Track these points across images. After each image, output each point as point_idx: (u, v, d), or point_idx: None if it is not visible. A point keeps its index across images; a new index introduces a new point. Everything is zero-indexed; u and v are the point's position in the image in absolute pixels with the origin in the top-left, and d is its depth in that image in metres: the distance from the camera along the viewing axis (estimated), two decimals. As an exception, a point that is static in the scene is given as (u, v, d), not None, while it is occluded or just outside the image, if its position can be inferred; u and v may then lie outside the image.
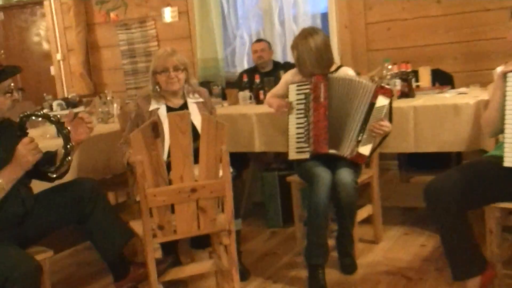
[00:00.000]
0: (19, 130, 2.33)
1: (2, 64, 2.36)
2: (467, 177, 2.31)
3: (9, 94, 2.30)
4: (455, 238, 2.32)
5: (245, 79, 4.16)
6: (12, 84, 2.33)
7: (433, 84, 3.70)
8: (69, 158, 2.32)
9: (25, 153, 2.17)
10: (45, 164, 2.35)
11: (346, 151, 2.87)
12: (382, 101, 2.81)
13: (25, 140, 2.20)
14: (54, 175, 2.38)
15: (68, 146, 2.29)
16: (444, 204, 2.28)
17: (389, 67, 3.44)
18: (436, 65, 4.00)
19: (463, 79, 3.94)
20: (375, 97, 2.81)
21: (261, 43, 4.53)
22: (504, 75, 2.28)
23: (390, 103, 2.85)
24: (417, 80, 3.66)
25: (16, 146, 2.19)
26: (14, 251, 2.11)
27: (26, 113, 2.35)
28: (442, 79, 3.81)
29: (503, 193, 2.32)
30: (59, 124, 2.31)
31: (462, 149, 3.09)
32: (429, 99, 3.27)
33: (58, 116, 2.38)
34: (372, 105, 2.82)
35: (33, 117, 2.36)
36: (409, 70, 3.45)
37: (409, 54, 4.17)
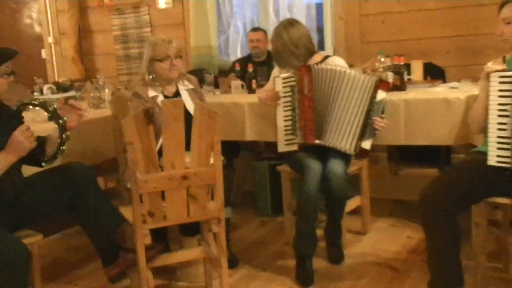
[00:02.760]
0: (15, 117, 2.34)
1: None
2: (459, 181, 2.32)
3: (7, 76, 2.29)
4: (442, 248, 2.32)
5: (238, 68, 4.15)
6: (8, 67, 2.31)
7: (425, 78, 3.72)
8: (64, 148, 2.35)
9: (22, 140, 2.18)
10: (37, 150, 2.34)
11: (348, 147, 2.85)
12: (381, 94, 2.82)
13: (22, 127, 2.21)
14: (47, 163, 2.39)
15: (64, 136, 2.32)
16: (437, 210, 2.27)
17: (382, 59, 3.45)
18: (429, 58, 4.01)
19: (455, 74, 3.96)
20: (375, 91, 2.81)
21: (258, 33, 4.52)
22: (487, 75, 2.30)
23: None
24: (409, 74, 3.67)
25: (11, 132, 2.19)
26: (3, 236, 2.10)
27: (24, 102, 2.37)
28: (434, 73, 3.82)
29: (490, 190, 2.35)
30: (56, 114, 2.33)
31: (451, 143, 3.12)
32: (421, 92, 3.28)
33: (54, 106, 2.37)
34: (372, 99, 2.81)
35: (31, 106, 2.37)
36: (402, 63, 3.47)
37: (403, 47, 4.18)
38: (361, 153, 2.88)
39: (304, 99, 2.91)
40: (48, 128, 2.50)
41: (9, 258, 1.98)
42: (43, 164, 2.41)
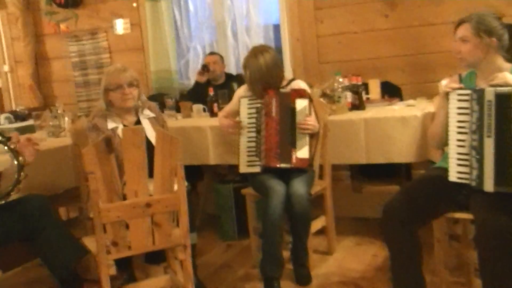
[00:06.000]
0: None
1: None
2: (419, 196, 2.36)
3: None
4: (404, 262, 2.33)
5: (211, 92, 4.06)
6: None
7: (383, 96, 3.80)
8: (20, 186, 2.32)
9: None
10: None
11: (287, 161, 2.92)
12: (301, 103, 2.93)
13: None
14: (1, 200, 2.34)
15: (21, 175, 2.29)
16: (398, 224, 2.29)
17: (340, 79, 3.51)
18: (385, 77, 4.11)
19: (410, 91, 4.07)
20: (293, 101, 2.93)
21: (214, 56, 4.55)
22: (446, 94, 2.36)
23: (310, 102, 2.97)
24: (367, 93, 3.75)
25: None
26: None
27: None
28: (391, 91, 3.91)
29: (451, 204, 2.40)
30: (15, 152, 2.29)
31: (410, 160, 3.19)
32: (379, 111, 3.36)
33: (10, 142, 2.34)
34: (293, 110, 2.92)
35: None
36: (360, 82, 3.54)
37: (359, 66, 4.27)
38: (300, 163, 2.93)
39: (272, 121, 2.95)
40: (2, 160, 2.45)
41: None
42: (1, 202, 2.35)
